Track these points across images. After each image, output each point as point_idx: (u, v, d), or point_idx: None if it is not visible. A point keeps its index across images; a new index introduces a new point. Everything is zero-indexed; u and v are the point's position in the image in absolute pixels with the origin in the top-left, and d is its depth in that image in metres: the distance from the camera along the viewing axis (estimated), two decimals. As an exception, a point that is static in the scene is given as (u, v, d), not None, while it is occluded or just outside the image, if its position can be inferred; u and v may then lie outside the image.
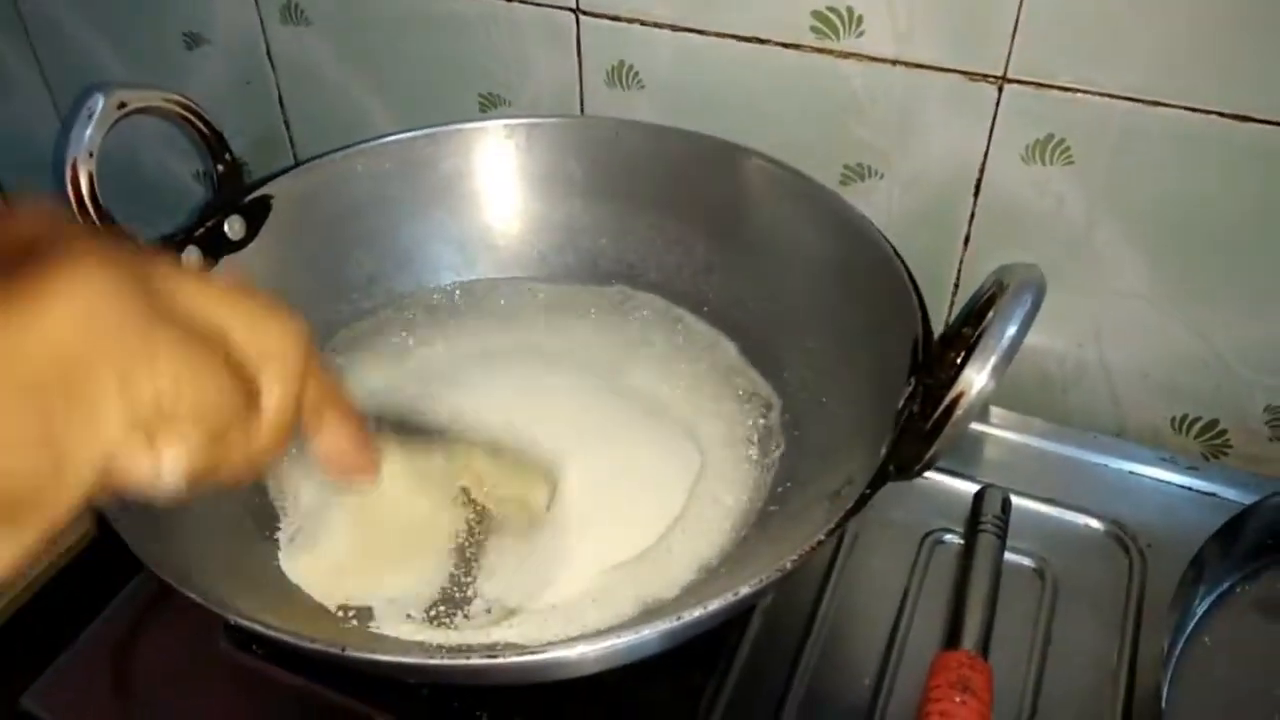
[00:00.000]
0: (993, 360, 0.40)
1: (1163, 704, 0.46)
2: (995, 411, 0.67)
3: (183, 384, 0.25)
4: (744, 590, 0.39)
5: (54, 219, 0.26)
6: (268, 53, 0.80)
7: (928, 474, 0.62)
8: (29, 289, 0.23)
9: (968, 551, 0.57)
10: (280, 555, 0.52)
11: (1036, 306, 0.41)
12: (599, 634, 0.39)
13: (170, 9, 0.81)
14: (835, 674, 0.54)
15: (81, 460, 0.24)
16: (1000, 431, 0.66)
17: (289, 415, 0.28)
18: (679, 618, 0.38)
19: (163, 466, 0.25)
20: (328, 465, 0.31)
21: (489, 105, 0.74)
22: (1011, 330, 0.41)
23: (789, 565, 0.40)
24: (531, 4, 0.68)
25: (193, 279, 0.26)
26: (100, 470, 0.24)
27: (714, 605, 0.38)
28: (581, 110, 0.71)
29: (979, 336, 0.42)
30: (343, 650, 0.37)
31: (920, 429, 0.43)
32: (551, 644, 0.44)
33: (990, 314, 0.42)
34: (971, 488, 0.60)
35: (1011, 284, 0.42)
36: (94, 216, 0.53)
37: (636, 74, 0.68)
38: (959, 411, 0.41)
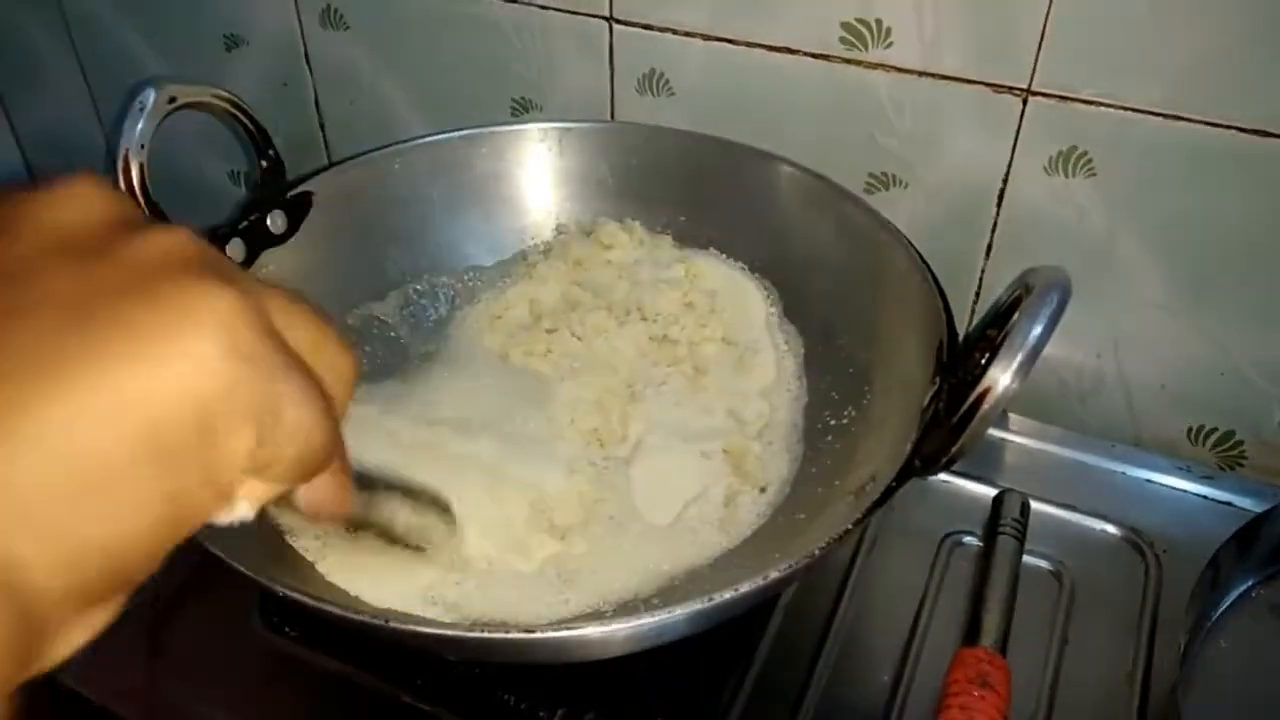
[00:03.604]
0: (1018, 358, 0.42)
1: (1179, 704, 0.47)
2: (1015, 418, 0.68)
3: (302, 435, 0.22)
4: (773, 574, 0.40)
5: (121, 206, 0.22)
6: (305, 56, 0.82)
7: (947, 478, 0.64)
8: (156, 326, 0.19)
9: (987, 553, 0.58)
10: (309, 555, 0.52)
11: (1062, 307, 0.42)
12: (629, 613, 0.40)
13: (211, 10, 0.83)
14: (854, 670, 0.55)
15: (197, 514, 0.21)
16: (1020, 438, 0.67)
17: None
18: (709, 599, 0.39)
19: (247, 505, 0.23)
20: (314, 506, 0.27)
21: (521, 110, 0.76)
22: (1037, 330, 0.42)
23: (817, 552, 0.41)
24: (566, 11, 0.70)
25: (283, 301, 0.23)
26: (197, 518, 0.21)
27: (744, 588, 0.40)
28: (612, 116, 0.73)
29: (1004, 335, 0.43)
30: (386, 622, 0.38)
31: (945, 425, 0.45)
32: (582, 619, 0.45)
33: (1016, 315, 0.44)
34: (990, 492, 0.61)
35: (1037, 285, 0.43)
36: (144, 209, 0.55)
37: (667, 82, 0.70)
38: (985, 407, 0.42)
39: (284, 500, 0.25)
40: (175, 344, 0.19)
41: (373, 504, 0.42)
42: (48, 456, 0.18)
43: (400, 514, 0.44)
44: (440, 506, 0.47)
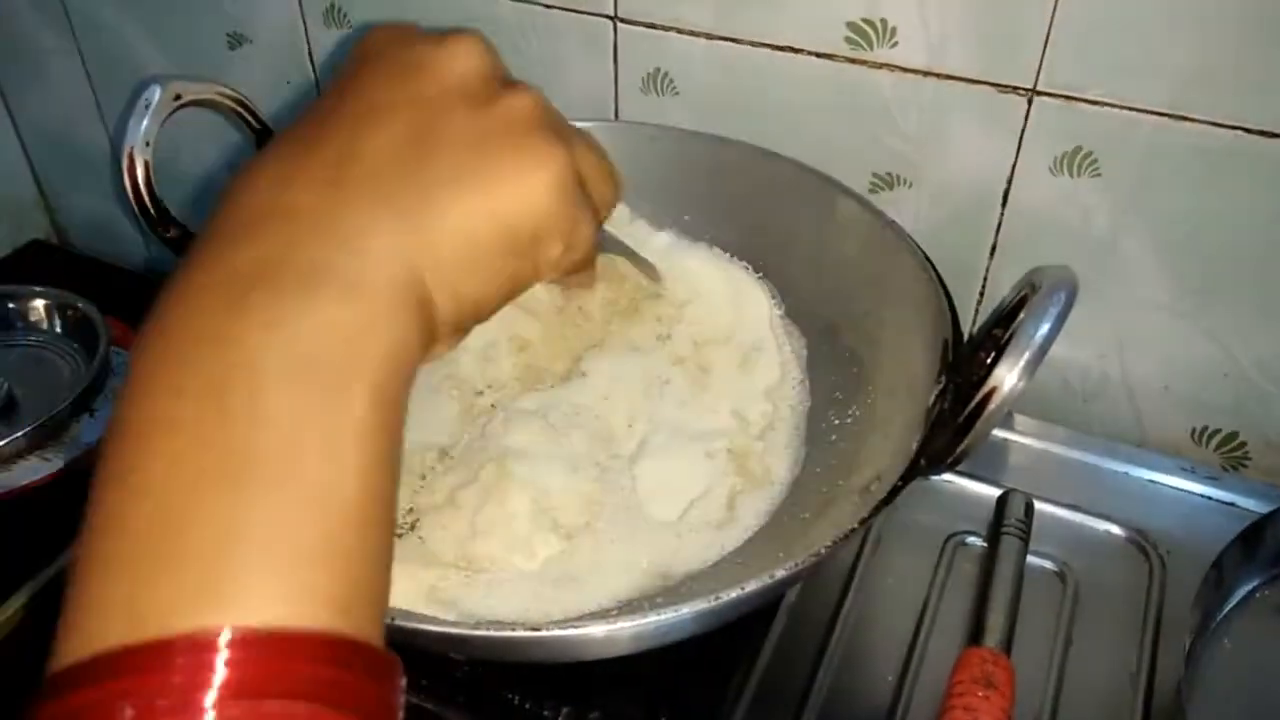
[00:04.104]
0: (1025, 357, 0.42)
1: (1184, 705, 0.47)
2: (1019, 419, 0.68)
3: (585, 248, 0.34)
4: (779, 573, 0.40)
5: (496, 62, 0.32)
6: (309, 54, 0.81)
7: (951, 478, 0.64)
8: (519, 166, 0.30)
9: (991, 553, 0.58)
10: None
11: (1069, 306, 0.42)
12: (635, 612, 0.40)
13: (215, 9, 0.83)
14: (858, 670, 0.55)
15: (522, 287, 0.33)
16: (1024, 438, 0.67)
17: None
18: (715, 598, 0.39)
19: (543, 282, 0.34)
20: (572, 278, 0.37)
21: (525, 109, 0.76)
22: (1044, 329, 0.42)
23: (823, 551, 0.41)
24: (570, 10, 0.69)
25: (587, 150, 0.34)
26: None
27: (750, 587, 0.39)
28: (616, 116, 0.73)
29: (1011, 335, 0.43)
30: (391, 621, 0.38)
31: (952, 424, 0.45)
32: (587, 618, 0.45)
33: (1022, 314, 0.44)
34: (994, 492, 0.62)
35: (1044, 284, 0.43)
36: (150, 206, 0.54)
37: (671, 81, 0.70)
38: (991, 407, 0.42)
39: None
40: (528, 180, 0.30)
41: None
42: (454, 237, 0.29)
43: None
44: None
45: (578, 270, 0.35)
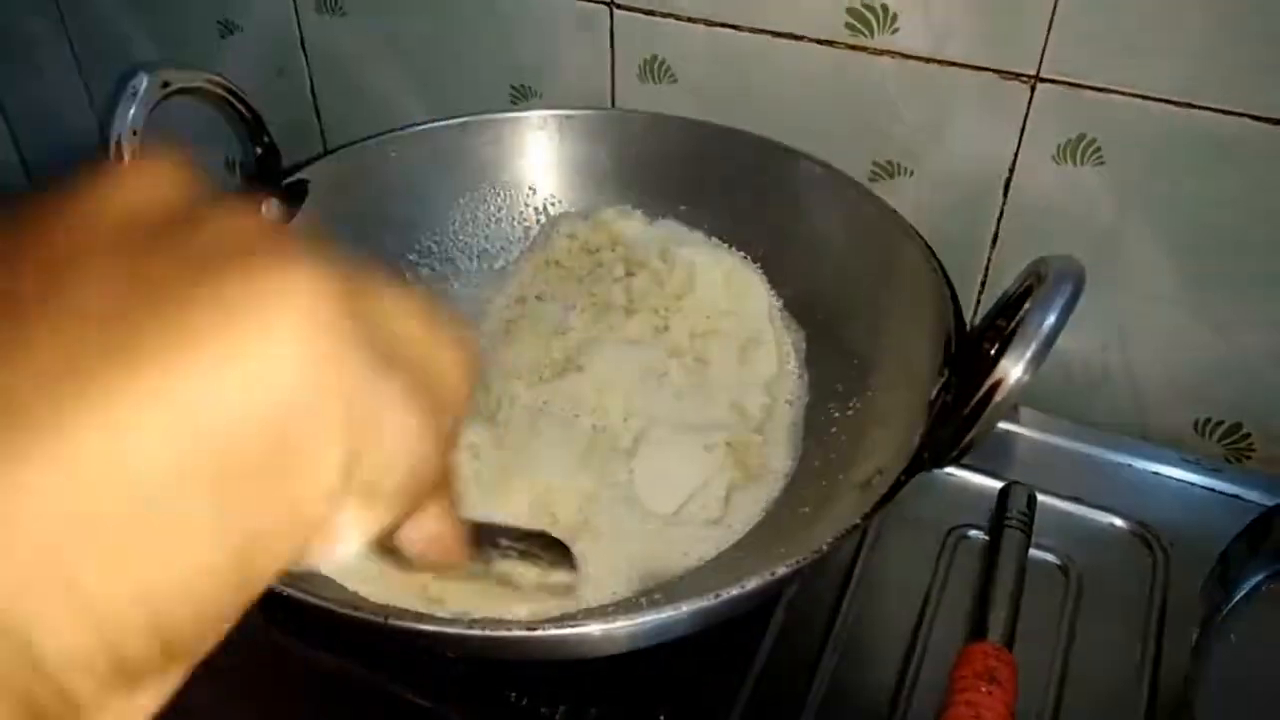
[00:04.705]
0: (1031, 349, 0.41)
1: (1191, 698, 0.46)
2: (1021, 410, 0.67)
3: (406, 450, 0.18)
4: (780, 570, 0.39)
5: (190, 189, 0.18)
6: (301, 42, 0.80)
7: (952, 471, 0.63)
8: (215, 322, 0.15)
9: (993, 547, 0.57)
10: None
11: (1076, 297, 0.41)
12: (632, 610, 0.39)
13: (205, -4, 0.82)
14: (859, 666, 0.54)
15: (275, 556, 0.17)
16: (1026, 430, 0.66)
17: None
18: (715, 596, 0.39)
19: (345, 542, 0.18)
20: (418, 546, 0.23)
21: (520, 97, 0.75)
22: (1050, 320, 0.41)
23: (824, 547, 0.40)
24: (566, -3, 0.69)
25: (382, 287, 0.18)
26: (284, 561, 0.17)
27: (750, 584, 0.39)
28: (613, 103, 0.72)
29: (1016, 326, 0.42)
30: (386, 620, 0.37)
31: (955, 417, 0.44)
32: (585, 616, 0.44)
33: (1027, 304, 0.43)
34: (996, 485, 0.61)
35: (1050, 274, 0.42)
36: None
37: (669, 68, 0.69)
38: (996, 399, 0.42)
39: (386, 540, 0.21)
40: (240, 341, 0.15)
41: (482, 554, 0.36)
42: (76, 488, 0.14)
43: (518, 568, 0.40)
44: (559, 550, 0.42)
45: (411, 506, 0.19)
